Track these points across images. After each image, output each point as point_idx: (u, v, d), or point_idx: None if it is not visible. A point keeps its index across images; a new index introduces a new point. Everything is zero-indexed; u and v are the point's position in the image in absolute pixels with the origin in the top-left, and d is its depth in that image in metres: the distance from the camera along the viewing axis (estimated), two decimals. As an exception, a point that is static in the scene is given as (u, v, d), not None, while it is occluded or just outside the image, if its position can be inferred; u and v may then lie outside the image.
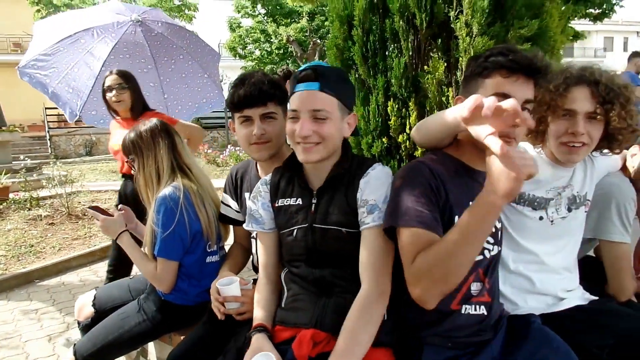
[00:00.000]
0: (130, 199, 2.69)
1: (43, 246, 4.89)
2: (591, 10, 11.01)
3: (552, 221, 1.50)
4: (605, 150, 1.51)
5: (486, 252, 1.33)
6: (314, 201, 1.41)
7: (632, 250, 1.82)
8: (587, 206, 1.58)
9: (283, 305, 1.44)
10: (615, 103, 1.37)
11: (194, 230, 1.78)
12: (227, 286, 1.54)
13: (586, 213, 1.59)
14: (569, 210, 1.53)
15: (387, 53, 2.22)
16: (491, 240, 1.34)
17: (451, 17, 1.99)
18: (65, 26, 4.25)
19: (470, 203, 1.26)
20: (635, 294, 1.70)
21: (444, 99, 2.09)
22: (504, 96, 1.19)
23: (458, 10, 2.01)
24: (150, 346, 2.19)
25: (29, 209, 6.36)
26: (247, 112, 1.62)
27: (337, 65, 2.39)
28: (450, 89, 2.07)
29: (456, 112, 1.15)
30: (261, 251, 1.52)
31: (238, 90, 1.61)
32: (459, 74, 2.06)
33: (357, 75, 2.33)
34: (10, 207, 6.53)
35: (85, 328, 2.03)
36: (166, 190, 1.74)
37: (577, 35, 11.53)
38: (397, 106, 2.19)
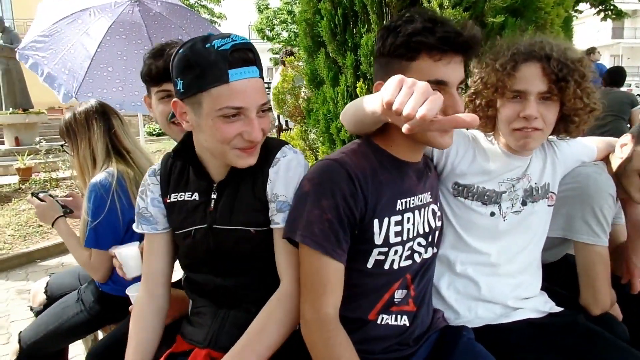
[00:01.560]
0: None
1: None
2: (636, -14, 10.17)
3: (504, 217, 1.30)
4: (566, 136, 1.30)
5: (416, 255, 1.15)
6: (214, 196, 1.17)
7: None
8: (550, 199, 1.37)
9: (189, 315, 1.28)
10: (570, 80, 1.17)
11: (127, 219, 1.66)
12: (125, 248, 1.35)
13: (550, 207, 1.38)
14: (524, 203, 1.32)
15: (356, 29, 2.02)
16: (423, 242, 1.16)
17: (417, -14, 1.78)
18: (65, 6, 4.22)
19: (399, 201, 1.11)
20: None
21: (415, 79, 1.89)
22: (438, 83, 1.01)
23: (428, -23, 1.79)
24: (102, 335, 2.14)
25: (47, 190, 6.52)
26: (168, 87, 1.40)
27: (306, 42, 2.21)
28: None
29: (374, 104, 0.97)
30: (148, 257, 1.26)
31: (156, 62, 1.39)
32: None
33: (326, 53, 2.14)
34: (31, 187, 6.72)
35: (37, 315, 1.98)
36: (98, 177, 1.64)
37: (620, 14, 10.72)
38: (366, 87, 2.00)
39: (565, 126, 1.27)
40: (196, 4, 16.29)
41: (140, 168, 1.76)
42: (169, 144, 11.64)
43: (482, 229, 1.29)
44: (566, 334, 1.23)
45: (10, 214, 5.44)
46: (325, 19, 2.06)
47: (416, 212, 1.14)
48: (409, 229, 1.11)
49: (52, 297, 1.98)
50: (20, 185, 6.92)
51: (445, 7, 1.75)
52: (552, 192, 1.37)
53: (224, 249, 1.16)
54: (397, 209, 1.10)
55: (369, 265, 1.10)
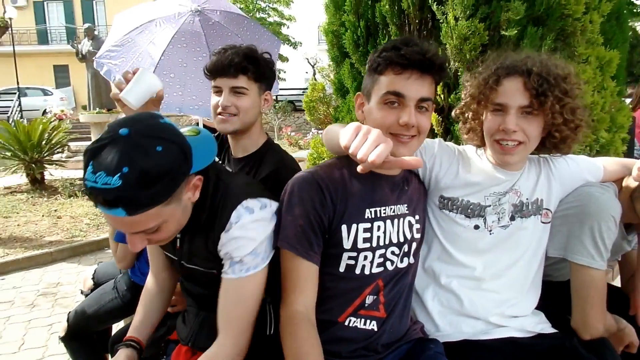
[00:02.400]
0: None
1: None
2: None
3: (490, 231, 1.30)
4: (556, 153, 1.28)
5: (389, 263, 1.20)
6: (179, 236, 1.20)
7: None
8: (545, 215, 1.33)
9: (185, 310, 1.41)
10: (549, 95, 1.16)
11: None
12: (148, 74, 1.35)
13: (546, 224, 1.34)
14: (512, 218, 1.30)
15: (377, 39, 2.07)
16: (397, 251, 1.21)
17: (430, -1, 1.79)
18: (135, 18, 4.62)
19: (368, 210, 1.17)
20: None
21: (431, 89, 1.89)
22: (395, 95, 1.11)
23: (443, -11, 1.79)
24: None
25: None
26: (219, 82, 1.51)
27: (333, 52, 2.29)
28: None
29: (338, 140, 1.03)
30: (151, 253, 1.38)
31: (213, 59, 1.52)
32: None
33: (350, 63, 2.20)
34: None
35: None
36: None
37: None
38: (386, 97, 2.04)
39: (550, 142, 1.26)
40: (267, 7, 16.85)
41: None
42: (236, 143, 12.24)
43: (467, 242, 1.30)
44: (549, 357, 1.21)
45: (88, 205, 6.06)
46: (349, 30, 2.13)
47: (388, 221, 1.20)
48: (379, 237, 1.18)
49: (98, 283, 2.22)
50: (102, 179, 7.64)
51: (460, 18, 1.74)
52: (546, 209, 1.33)
53: (193, 278, 1.28)
54: (366, 217, 1.17)
55: (341, 269, 1.17)
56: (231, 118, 1.53)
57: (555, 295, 1.43)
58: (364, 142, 0.93)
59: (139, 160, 0.89)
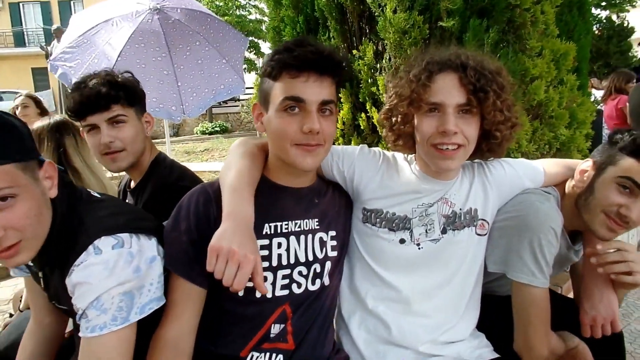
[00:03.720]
0: None
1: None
2: None
3: (418, 245, 1.16)
4: (490, 156, 1.17)
5: (295, 286, 1.07)
6: (41, 275, 1.05)
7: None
8: (481, 227, 1.20)
9: None
10: (489, 91, 1.05)
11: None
12: None
13: (482, 236, 1.21)
14: (444, 231, 1.17)
15: (317, 35, 1.92)
16: (304, 271, 1.08)
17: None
18: (92, 17, 4.42)
19: (266, 225, 1.05)
20: None
21: (374, 88, 1.75)
22: (294, 100, 0.99)
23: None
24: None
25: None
26: (91, 120, 1.35)
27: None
28: (380, 75, 1.73)
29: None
30: (31, 294, 1.21)
31: (75, 96, 1.34)
32: (386, 57, 1.70)
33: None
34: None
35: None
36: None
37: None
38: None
39: (487, 144, 1.14)
40: (247, 4, 16.57)
41: (90, 187, 1.77)
42: (217, 143, 11.99)
43: (392, 258, 1.17)
44: None
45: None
46: (288, 26, 1.98)
47: (292, 238, 1.07)
48: (280, 255, 1.06)
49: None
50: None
51: (399, 11, 1.60)
52: (482, 220, 1.20)
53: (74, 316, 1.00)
54: (264, 233, 1.05)
55: (240, 292, 1.03)
56: (120, 155, 1.40)
57: (501, 311, 1.31)
58: (225, 263, 0.87)
59: None
